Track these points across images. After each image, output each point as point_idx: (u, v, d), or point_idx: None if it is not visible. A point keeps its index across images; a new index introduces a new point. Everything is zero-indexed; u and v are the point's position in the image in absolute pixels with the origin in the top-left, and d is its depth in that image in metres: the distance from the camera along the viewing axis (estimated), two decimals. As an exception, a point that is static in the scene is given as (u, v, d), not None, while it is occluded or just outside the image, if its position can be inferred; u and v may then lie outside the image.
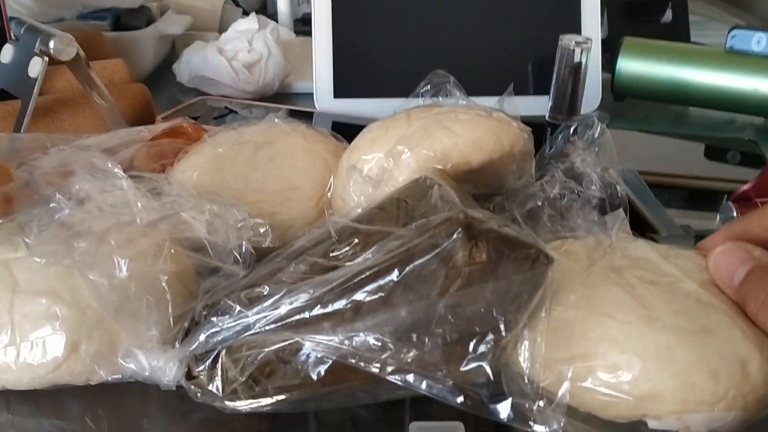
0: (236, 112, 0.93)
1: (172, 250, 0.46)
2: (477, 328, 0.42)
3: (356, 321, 0.43)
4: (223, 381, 0.44)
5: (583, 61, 0.73)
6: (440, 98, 0.63)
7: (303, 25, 1.21)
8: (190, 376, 0.45)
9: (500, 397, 0.42)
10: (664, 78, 0.91)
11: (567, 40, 0.73)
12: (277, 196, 0.60)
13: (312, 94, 0.92)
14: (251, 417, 0.45)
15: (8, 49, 0.68)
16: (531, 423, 0.41)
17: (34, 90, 0.65)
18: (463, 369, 0.42)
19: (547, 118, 0.74)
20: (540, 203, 0.57)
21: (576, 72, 0.73)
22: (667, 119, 0.97)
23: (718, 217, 0.67)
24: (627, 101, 0.96)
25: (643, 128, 0.95)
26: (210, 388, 0.44)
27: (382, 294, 0.43)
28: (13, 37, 0.69)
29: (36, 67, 0.66)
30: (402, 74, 0.88)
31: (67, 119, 0.73)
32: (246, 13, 1.11)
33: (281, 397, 0.44)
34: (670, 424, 0.42)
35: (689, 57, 0.91)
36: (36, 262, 0.44)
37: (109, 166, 0.49)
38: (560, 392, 0.42)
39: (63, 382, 0.46)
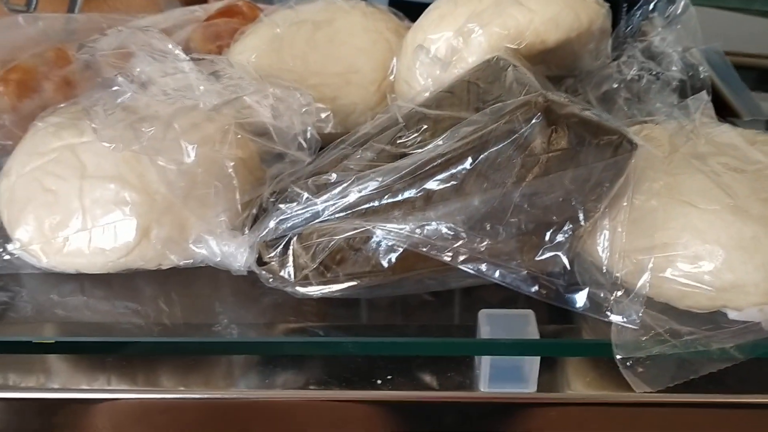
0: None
1: (238, 136, 0.45)
2: (554, 218, 0.40)
3: (428, 209, 0.42)
4: (294, 267, 0.44)
5: (663, -73, 0.67)
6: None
7: None
8: (261, 261, 0.45)
9: (575, 287, 0.42)
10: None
11: None
12: (337, 79, 0.58)
13: (367, -32, 0.87)
14: (320, 302, 0.45)
15: (56, -76, 0.65)
16: (608, 313, 0.41)
17: (86, -33, 0.63)
18: (538, 258, 0.41)
19: (623, -7, 0.69)
20: (616, 86, 0.54)
21: (655, -60, 0.67)
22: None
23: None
24: (704, -26, 0.89)
25: (714, 4, 0.89)
26: (282, 274, 0.44)
27: (455, 182, 0.41)
28: None
29: (86, -58, 0.63)
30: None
31: (120, -1, 0.71)
32: None
33: (352, 283, 0.44)
34: (751, 315, 0.41)
35: None
36: (104, 146, 0.43)
37: (170, 47, 0.47)
38: (640, 283, 0.41)
39: (135, 267, 0.46)
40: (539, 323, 0.42)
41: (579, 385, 0.44)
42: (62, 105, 0.51)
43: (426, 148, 0.43)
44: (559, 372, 0.45)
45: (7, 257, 0.47)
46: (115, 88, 0.46)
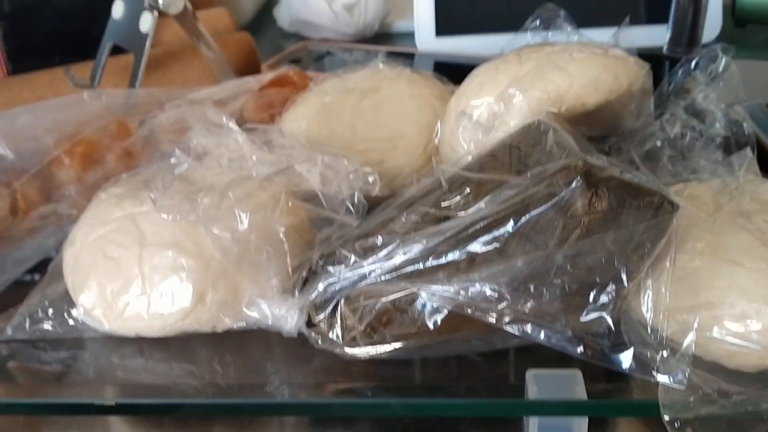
0: (331, 53, 0.93)
1: (289, 203, 0.47)
2: (598, 279, 0.41)
3: (471, 271, 0.43)
4: (342, 329, 0.45)
5: (704, -14, 0.68)
6: (550, 33, 0.61)
7: (401, -40, 1.19)
8: (310, 323, 0.46)
9: (621, 347, 0.42)
10: (791, -1, 0.85)
11: (686, -36, 0.69)
12: (384, 144, 0.60)
13: (413, 33, 0.90)
14: (369, 363, 0.46)
15: (119, 5, 0.69)
16: (654, 373, 0.41)
17: (146, 44, 0.67)
18: (583, 319, 0.41)
19: (665, 51, 0.70)
20: (659, 143, 0.54)
21: (697, -1, 0.68)
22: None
23: None
24: (751, 27, 0.89)
25: (756, 56, 0.89)
26: (330, 335, 0.45)
27: (498, 245, 0.42)
28: (123, -7, 0.70)
29: (147, 21, 0.67)
30: (508, 7, 0.85)
31: (177, 71, 0.75)
32: (343, -47, 1.10)
33: (398, 344, 0.44)
34: (802, 374, 0.41)
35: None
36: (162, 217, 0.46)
37: (224, 120, 0.50)
38: (686, 342, 0.41)
39: (191, 330, 0.48)
40: (589, 381, 0.42)
41: (629, 445, 0.44)
42: (124, 176, 0.53)
43: (469, 211, 0.44)
44: (610, 430, 0.45)
45: (71, 322, 0.49)
46: (173, 160, 0.48)
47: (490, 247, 0.42)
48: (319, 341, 0.46)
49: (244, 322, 0.48)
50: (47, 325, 0.49)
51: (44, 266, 0.54)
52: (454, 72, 0.62)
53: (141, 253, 0.47)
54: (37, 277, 0.55)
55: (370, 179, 0.55)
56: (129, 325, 0.48)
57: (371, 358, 0.45)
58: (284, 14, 0.99)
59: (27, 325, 0.49)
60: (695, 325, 0.41)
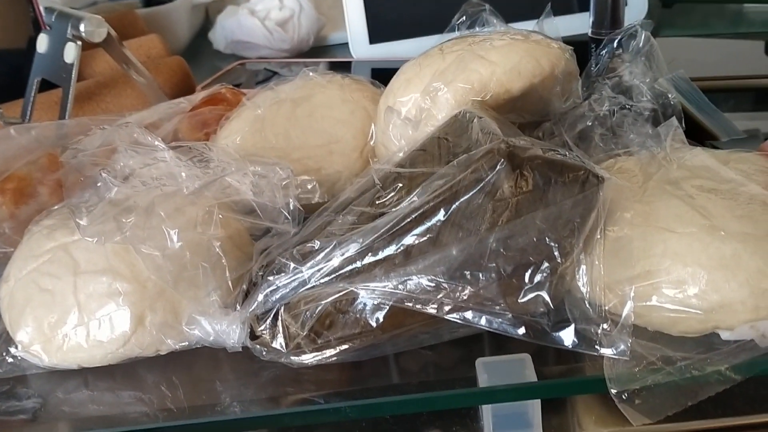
0: (278, 73, 0.93)
1: (221, 216, 0.46)
2: (531, 258, 0.41)
3: (408, 265, 0.42)
4: (285, 337, 0.44)
5: (623, -31, 0.69)
6: (477, 29, 0.61)
7: (333, -27, 1.19)
8: (253, 336, 0.46)
9: (562, 324, 0.42)
10: (713, -24, 0.86)
11: (603, -51, 0.70)
12: (320, 150, 0.59)
13: (348, 43, 0.90)
14: (318, 369, 0.45)
15: (43, 39, 0.68)
16: (597, 347, 0.41)
17: (72, 75, 0.66)
18: (521, 300, 0.41)
19: (590, 34, 0.71)
20: (590, 123, 0.55)
21: (616, -19, 0.69)
22: (725, 20, 0.92)
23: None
24: (678, 7, 0.91)
25: (700, 33, 0.91)
26: (274, 345, 0.44)
27: (431, 235, 0.42)
28: (46, 26, 0.69)
29: (71, 52, 0.66)
30: (437, 10, 0.86)
31: (111, 100, 0.74)
32: (274, -30, 1.10)
33: (344, 346, 0.44)
34: (743, 333, 0.41)
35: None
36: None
37: (150, 139, 0.49)
38: (624, 313, 0.41)
39: (134, 355, 0.47)
40: (547, 364, 0.42)
41: (588, 422, 0.43)
42: (55, 207, 0.52)
43: (402, 206, 0.44)
44: (569, 412, 0.45)
45: (10, 360, 0.48)
46: (99, 184, 0.47)
47: (424, 239, 0.42)
48: (264, 353, 0.45)
49: (186, 341, 0.47)
50: (-13, 366, 0.48)
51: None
52: (390, 76, 0.62)
53: (75, 282, 0.46)
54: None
55: (309, 186, 0.54)
56: (70, 357, 0.47)
57: (319, 363, 0.44)
58: (219, 36, 0.99)
59: (-34, 368, 0.48)
60: (632, 295, 0.41)
